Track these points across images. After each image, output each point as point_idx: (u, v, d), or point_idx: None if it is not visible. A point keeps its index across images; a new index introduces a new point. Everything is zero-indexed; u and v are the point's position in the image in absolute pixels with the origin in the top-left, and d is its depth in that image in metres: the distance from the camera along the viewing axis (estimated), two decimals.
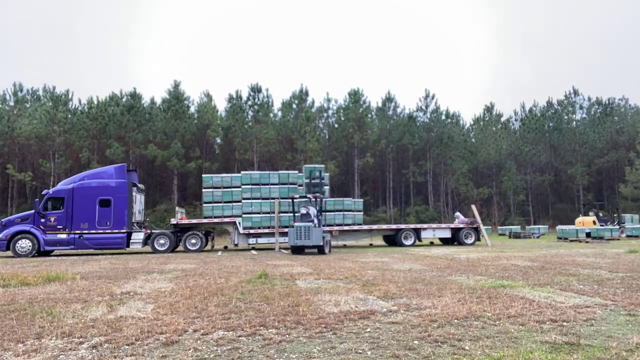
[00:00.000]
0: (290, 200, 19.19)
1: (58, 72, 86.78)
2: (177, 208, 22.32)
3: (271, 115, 44.23)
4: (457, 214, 22.88)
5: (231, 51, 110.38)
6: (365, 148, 43.86)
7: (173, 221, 20.53)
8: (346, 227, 20.83)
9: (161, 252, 19.34)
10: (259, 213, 20.66)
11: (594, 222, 26.50)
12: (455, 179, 44.12)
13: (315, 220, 16.74)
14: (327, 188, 21.43)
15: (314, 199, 17.67)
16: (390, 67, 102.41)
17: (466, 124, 54.22)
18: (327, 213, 21.02)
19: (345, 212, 21.08)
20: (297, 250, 17.00)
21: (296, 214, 17.95)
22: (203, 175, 21.88)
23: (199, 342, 4.38)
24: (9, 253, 18.73)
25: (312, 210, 16.97)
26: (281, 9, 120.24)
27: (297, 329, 4.81)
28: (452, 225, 22.09)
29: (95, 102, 42.41)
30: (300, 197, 19.23)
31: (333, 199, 21.34)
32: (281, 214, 20.81)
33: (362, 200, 23.54)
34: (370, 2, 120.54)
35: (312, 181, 18.87)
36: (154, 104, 44.25)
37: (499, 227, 37.40)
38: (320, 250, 16.72)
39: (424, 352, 3.90)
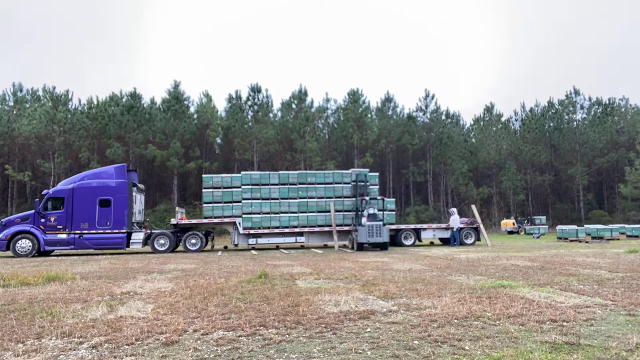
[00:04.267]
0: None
1: (58, 72, 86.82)
2: (177, 208, 22.32)
3: (271, 115, 44.21)
4: (453, 209, 22.74)
5: (231, 51, 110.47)
6: (364, 148, 43.85)
7: (173, 221, 20.54)
8: (346, 228, 20.83)
9: (161, 252, 19.35)
10: (259, 213, 20.68)
11: (513, 224, 36.00)
12: (455, 179, 44.10)
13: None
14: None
15: (381, 199, 19.55)
16: (390, 67, 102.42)
17: (466, 124, 54.22)
18: (327, 214, 21.08)
19: (345, 213, 21.08)
20: (361, 247, 18.48)
21: (362, 214, 19.12)
22: (203, 176, 21.89)
23: (199, 342, 4.38)
24: (9, 253, 18.74)
25: (376, 210, 18.65)
26: (281, 9, 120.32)
27: (297, 329, 4.82)
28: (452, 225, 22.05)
29: (95, 102, 42.40)
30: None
31: (333, 199, 21.29)
32: (281, 214, 20.82)
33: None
34: (369, 2, 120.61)
35: (359, 184, 20.56)
36: (154, 104, 44.25)
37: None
38: (384, 246, 18.36)
39: (424, 352, 3.90)
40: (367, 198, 19.45)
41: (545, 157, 46.14)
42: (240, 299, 6.64)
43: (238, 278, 9.26)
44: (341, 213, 21.14)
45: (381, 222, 18.16)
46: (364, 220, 18.30)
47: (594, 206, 46.24)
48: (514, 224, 36.41)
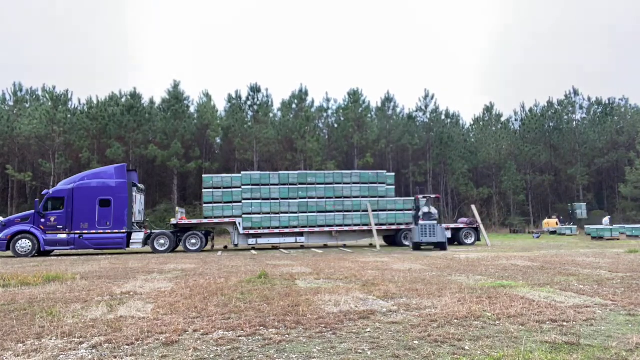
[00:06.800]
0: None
1: (58, 72, 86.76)
2: (177, 208, 22.33)
3: (271, 115, 44.18)
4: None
5: (231, 51, 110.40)
6: (365, 148, 43.83)
7: (173, 221, 20.54)
8: (346, 228, 20.84)
9: (161, 252, 19.35)
10: (259, 213, 20.68)
11: (557, 223, 33.83)
12: (455, 179, 44.10)
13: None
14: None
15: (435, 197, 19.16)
16: (390, 67, 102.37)
17: (466, 124, 54.20)
18: (327, 214, 21.10)
19: (345, 213, 21.09)
20: (417, 246, 18.20)
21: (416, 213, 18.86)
22: (203, 176, 21.90)
23: (199, 342, 4.38)
24: (9, 253, 18.74)
25: (434, 210, 18.08)
26: (281, 9, 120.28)
27: (297, 329, 4.82)
28: (452, 225, 22.09)
29: (95, 102, 42.38)
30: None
31: (333, 199, 21.31)
32: (281, 214, 20.82)
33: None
34: (369, 2, 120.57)
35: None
36: (154, 104, 44.24)
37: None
38: (442, 247, 17.68)
39: (424, 352, 3.90)
40: (420, 197, 19.52)
41: (545, 157, 46.13)
42: (240, 299, 6.64)
43: (238, 278, 9.26)
44: (341, 214, 21.14)
45: (435, 221, 17.80)
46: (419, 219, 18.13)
47: (594, 206, 46.21)
48: (557, 223, 33.95)
